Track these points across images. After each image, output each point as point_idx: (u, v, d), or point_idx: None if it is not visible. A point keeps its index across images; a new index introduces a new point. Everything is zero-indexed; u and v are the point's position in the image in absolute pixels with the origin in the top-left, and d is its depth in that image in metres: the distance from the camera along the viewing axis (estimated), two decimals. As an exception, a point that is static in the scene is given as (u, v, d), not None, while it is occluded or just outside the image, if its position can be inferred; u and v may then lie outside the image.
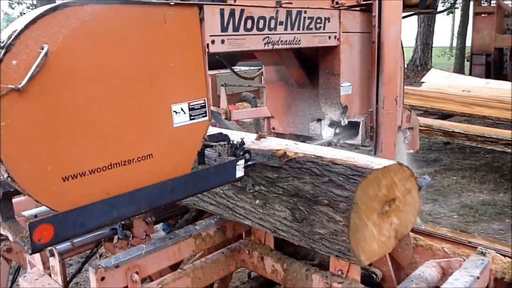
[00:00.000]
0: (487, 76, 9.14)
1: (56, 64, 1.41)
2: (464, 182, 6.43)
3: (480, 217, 5.30)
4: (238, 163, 2.02)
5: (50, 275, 2.23)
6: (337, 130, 2.82)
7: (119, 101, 1.59)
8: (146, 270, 2.00)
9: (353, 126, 2.83)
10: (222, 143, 2.16)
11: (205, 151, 2.04)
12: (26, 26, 1.34)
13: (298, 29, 2.29)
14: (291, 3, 2.20)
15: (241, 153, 2.16)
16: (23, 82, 1.32)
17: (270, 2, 2.14)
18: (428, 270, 1.89)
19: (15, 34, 1.32)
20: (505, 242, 4.49)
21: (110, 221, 1.58)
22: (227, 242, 2.45)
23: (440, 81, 7.91)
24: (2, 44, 1.29)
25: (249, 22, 2.03)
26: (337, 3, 2.69)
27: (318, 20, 2.41)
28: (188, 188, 1.83)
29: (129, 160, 1.64)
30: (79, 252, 2.40)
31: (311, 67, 2.91)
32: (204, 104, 1.88)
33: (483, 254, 1.94)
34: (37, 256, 2.33)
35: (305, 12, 2.31)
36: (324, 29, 2.46)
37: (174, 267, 2.39)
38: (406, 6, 2.82)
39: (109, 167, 1.59)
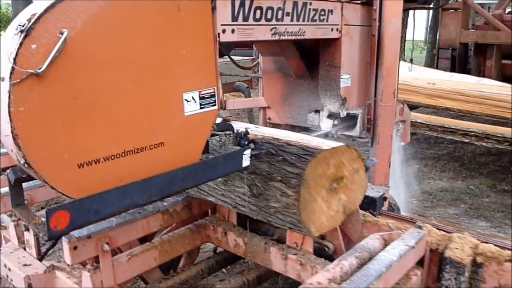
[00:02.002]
0: (453, 69, 9.34)
1: (74, 49, 1.39)
2: (426, 170, 6.67)
3: (438, 203, 5.54)
4: (245, 152, 2.04)
5: (25, 249, 2.30)
6: (336, 122, 2.86)
7: (133, 88, 1.58)
8: (116, 241, 2.10)
9: (351, 118, 2.86)
10: (227, 132, 2.18)
11: (209, 140, 2.06)
12: (46, 10, 1.32)
13: (303, 20, 2.30)
14: (298, -6, 2.21)
15: (246, 143, 2.18)
16: (43, 67, 1.30)
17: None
18: (371, 241, 2.03)
19: (34, 17, 1.30)
20: (458, 225, 4.80)
21: (123, 208, 1.58)
22: (194, 218, 2.59)
23: (407, 73, 8.13)
24: (22, 28, 1.27)
25: (258, 12, 2.03)
26: (338, -5, 2.70)
27: (322, 12, 2.43)
28: (197, 177, 1.84)
29: (141, 148, 1.64)
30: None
31: (310, 58, 2.93)
32: (213, 93, 1.88)
33: (420, 227, 2.10)
34: (12, 231, 2.41)
35: (310, 4, 2.32)
36: (327, 21, 2.48)
37: (143, 242, 2.47)
38: (405, 1, 2.85)
39: (123, 154, 1.58)
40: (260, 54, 3.32)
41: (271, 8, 2.10)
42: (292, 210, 1.96)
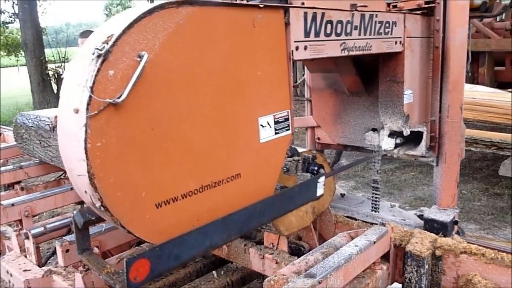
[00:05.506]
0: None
1: (152, 73, 1.23)
2: (421, 177, 6.63)
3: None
4: (319, 180, 1.85)
5: (26, 256, 2.51)
6: (398, 140, 2.65)
7: (209, 114, 1.41)
8: (105, 245, 2.24)
9: (413, 136, 2.65)
10: (296, 158, 1.99)
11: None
12: (124, 31, 1.16)
13: (370, 34, 2.12)
14: (366, 6, 2.03)
15: (316, 169, 1.99)
16: (124, 95, 1.13)
17: (345, 4, 1.97)
18: (338, 239, 2.13)
19: (112, 40, 1.14)
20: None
21: (202, 251, 1.39)
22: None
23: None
24: (100, 52, 1.11)
25: (329, 27, 1.86)
26: (394, 6, 2.52)
27: (387, 25, 2.25)
28: (275, 210, 1.66)
29: (219, 181, 1.46)
30: (52, 237, 2.69)
31: (366, 74, 2.74)
32: (287, 117, 1.70)
33: (383, 225, 2.20)
34: (14, 240, 2.67)
35: (376, 16, 2.15)
36: (391, 34, 2.30)
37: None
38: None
39: (200, 190, 1.41)
40: (308, 71, 3.14)
41: (341, 22, 1.93)
42: None
